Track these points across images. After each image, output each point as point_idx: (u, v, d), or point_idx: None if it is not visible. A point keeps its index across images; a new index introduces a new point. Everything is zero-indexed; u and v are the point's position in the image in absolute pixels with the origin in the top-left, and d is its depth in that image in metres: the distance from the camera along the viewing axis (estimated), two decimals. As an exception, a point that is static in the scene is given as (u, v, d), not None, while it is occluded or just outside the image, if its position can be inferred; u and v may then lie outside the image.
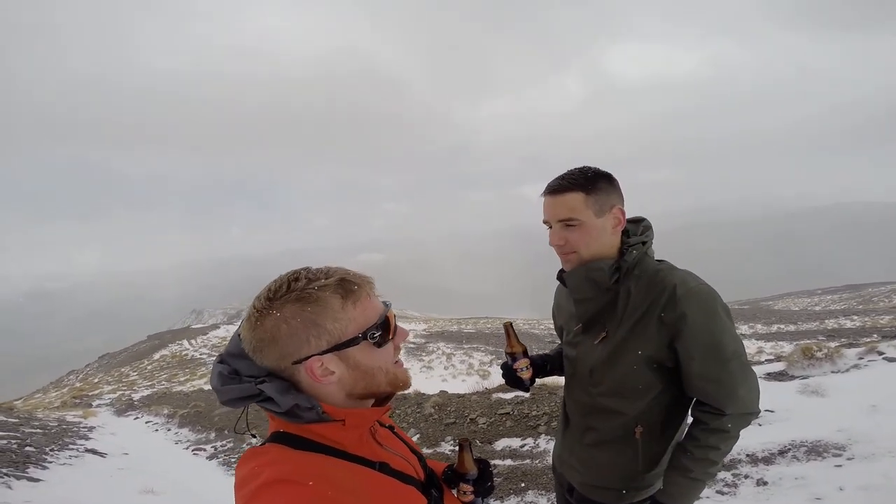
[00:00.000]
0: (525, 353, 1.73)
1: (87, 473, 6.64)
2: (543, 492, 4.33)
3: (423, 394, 9.22)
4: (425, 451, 6.09)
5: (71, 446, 8.52)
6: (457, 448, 1.42)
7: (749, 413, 1.47)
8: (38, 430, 9.86)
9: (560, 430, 1.87)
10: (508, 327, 1.75)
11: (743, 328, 26.54)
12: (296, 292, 0.86)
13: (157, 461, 7.79)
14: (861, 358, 6.22)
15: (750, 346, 19.73)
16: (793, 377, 5.77)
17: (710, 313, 1.42)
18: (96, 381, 26.18)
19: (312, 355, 0.86)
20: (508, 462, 5.25)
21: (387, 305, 0.97)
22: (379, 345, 0.92)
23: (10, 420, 10.54)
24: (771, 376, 5.93)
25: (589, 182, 1.49)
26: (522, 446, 5.64)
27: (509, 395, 7.48)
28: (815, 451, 3.77)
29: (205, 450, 8.65)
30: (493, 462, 5.24)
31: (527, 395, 6.44)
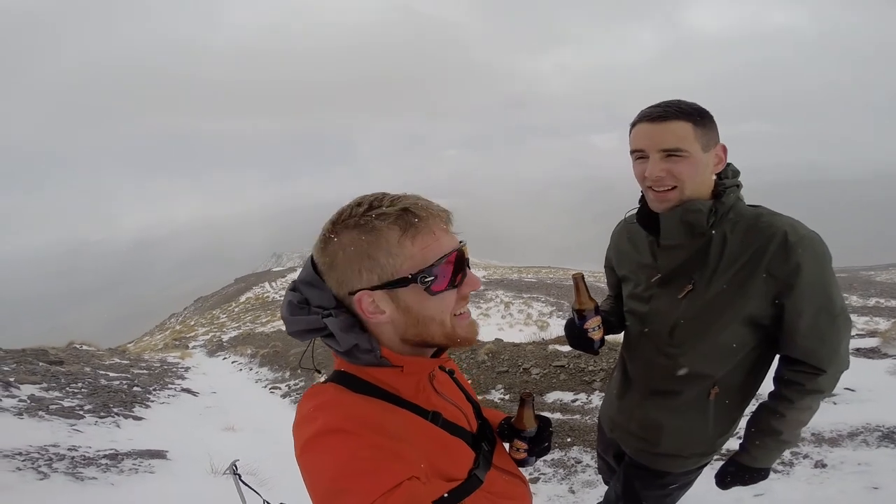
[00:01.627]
0: (597, 310, 1.54)
1: (182, 412, 7.62)
2: (588, 448, 4.31)
3: (478, 340, 9.39)
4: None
5: (170, 385, 9.78)
6: (517, 402, 1.38)
7: (842, 371, 1.36)
8: (145, 371, 11.39)
9: (615, 393, 1.73)
10: (579, 280, 1.54)
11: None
12: (354, 218, 0.83)
13: (238, 400, 8.73)
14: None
15: (840, 320, 17.87)
16: (885, 355, 5.12)
17: (824, 264, 1.28)
18: (192, 323, 29.55)
19: (363, 289, 0.84)
20: (558, 416, 5.26)
21: (459, 247, 0.88)
22: (432, 291, 0.84)
23: (122, 362, 12.23)
24: (860, 352, 5.30)
25: (697, 113, 1.31)
26: (574, 401, 5.60)
27: (566, 348, 7.38)
28: (891, 437, 3.36)
29: (280, 388, 9.54)
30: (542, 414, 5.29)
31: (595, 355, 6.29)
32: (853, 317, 18.37)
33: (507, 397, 6.22)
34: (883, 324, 15.35)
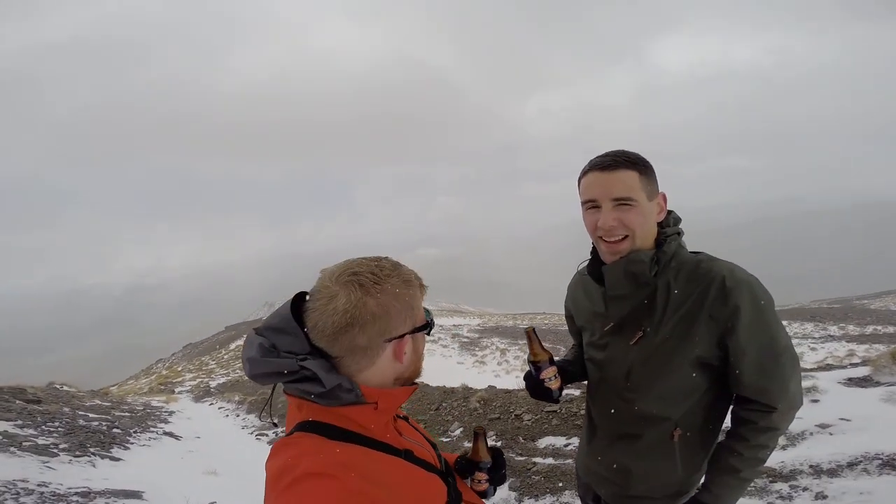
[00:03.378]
0: (551, 361, 1.58)
1: (163, 455, 7.27)
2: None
3: (471, 388, 9.17)
4: (465, 444, 6.05)
5: (152, 429, 9.36)
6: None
7: (796, 408, 1.38)
8: (127, 414, 10.94)
9: (585, 438, 1.74)
10: (531, 333, 1.59)
11: (832, 328, 24.05)
12: (399, 275, 0.99)
13: (223, 445, 8.36)
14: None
15: (839, 349, 17.95)
16: (878, 383, 5.10)
17: (761, 305, 1.31)
18: (180, 368, 28.68)
19: (405, 334, 0.97)
20: (549, 461, 5.07)
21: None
22: (428, 333, 1.06)
23: (103, 404, 11.78)
24: (852, 381, 5.28)
25: (640, 162, 1.39)
26: (566, 445, 5.43)
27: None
28: (891, 464, 3.29)
29: (266, 435, 9.17)
30: (534, 460, 5.10)
31: (556, 405, 6.16)
32: (852, 345, 18.25)
33: (499, 444, 6.01)
34: (882, 350, 15.21)
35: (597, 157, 1.41)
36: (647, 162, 1.41)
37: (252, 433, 9.56)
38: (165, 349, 52.17)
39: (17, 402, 8.80)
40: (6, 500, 3.74)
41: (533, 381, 1.60)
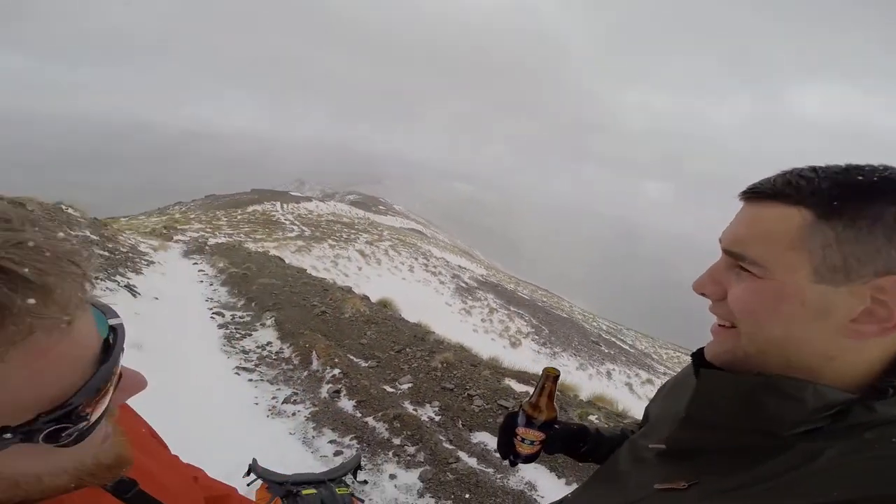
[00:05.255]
0: (550, 425, 1.13)
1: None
2: (485, 510, 3.37)
3: (441, 342, 8.39)
4: (408, 406, 5.31)
5: (117, 277, 8.94)
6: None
7: None
8: (105, 253, 10.58)
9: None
10: (550, 381, 1.13)
11: None
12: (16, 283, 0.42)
13: (172, 315, 7.87)
14: None
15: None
16: None
17: None
18: (192, 216, 28.96)
19: None
20: (473, 462, 4.33)
21: (110, 336, 0.54)
22: (62, 440, 0.48)
23: (91, 237, 11.42)
24: None
25: (834, 196, 0.60)
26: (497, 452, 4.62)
27: (521, 387, 6.38)
28: None
29: (223, 315, 8.71)
30: (459, 454, 4.35)
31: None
32: None
33: (438, 419, 5.24)
34: None
35: (767, 178, 0.68)
36: (864, 199, 0.58)
37: (211, 308, 9.09)
38: (192, 194, 53.22)
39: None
40: None
41: (508, 429, 1.17)
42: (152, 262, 11.85)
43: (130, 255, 11.79)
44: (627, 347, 30.53)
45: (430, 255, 33.16)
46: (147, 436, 0.89)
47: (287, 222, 33.11)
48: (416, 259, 28.96)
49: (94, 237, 11.73)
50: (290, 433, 4.43)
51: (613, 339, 31.53)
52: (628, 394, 18.17)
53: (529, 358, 16.83)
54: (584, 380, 16.81)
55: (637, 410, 9.14)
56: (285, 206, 43.74)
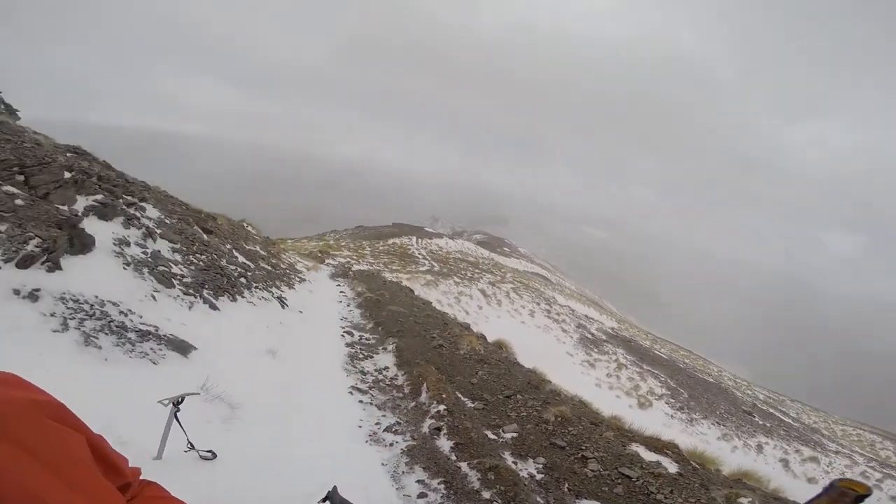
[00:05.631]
0: None
1: (255, 316, 7.77)
2: None
3: (558, 393, 7.80)
4: (508, 457, 4.94)
5: (272, 289, 10.32)
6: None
7: None
8: (268, 268, 12.36)
9: None
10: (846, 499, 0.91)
11: None
12: None
13: (311, 329, 8.70)
14: None
15: None
16: None
17: None
18: (342, 244, 32.56)
19: None
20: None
21: None
22: None
23: (260, 252, 13.51)
24: None
25: None
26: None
27: (651, 456, 5.50)
28: None
29: (352, 334, 9.33)
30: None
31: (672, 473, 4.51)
32: None
33: (540, 477, 4.76)
34: None
35: None
36: None
37: (343, 326, 9.86)
38: (345, 224, 60.30)
39: (196, 227, 10.31)
40: (70, 318, 3.99)
41: None
42: (304, 280, 13.49)
43: (288, 271, 13.61)
44: (790, 421, 25.12)
45: (554, 301, 31.89)
46: (82, 463, 0.78)
47: (420, 256, 35.22)
48: (538, 304, 28.09)
49: (263, 252, 13.84)
50: (383, 464, 4.38)
51: (771, 411, 26.46)
52: (782, 471, 15.01)
53: (660, 421, 14.76)
54: (726, 452, 14.22)
55: (793, 490, 7.45)
56: (420, 240, 46.77)
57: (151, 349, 4.41)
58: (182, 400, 2.94)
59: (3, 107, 10.74)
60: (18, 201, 5.12)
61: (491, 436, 5.62)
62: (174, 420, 2.92)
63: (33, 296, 3.95)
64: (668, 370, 23.62)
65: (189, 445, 3.06)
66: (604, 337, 26.01)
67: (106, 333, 4.13)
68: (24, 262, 4.36)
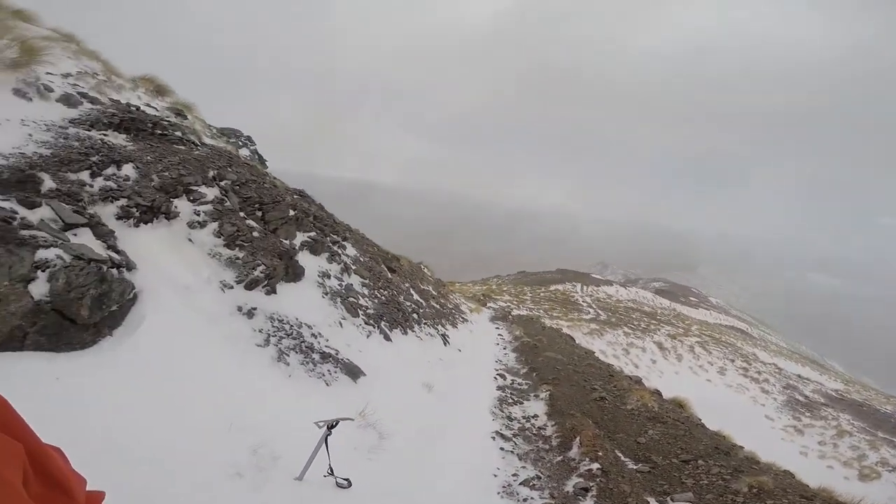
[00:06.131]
0: None
1: (420, 349, 8.41)
2: None
3: (758, 461, 6.28)
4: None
5: (438, 326, 11.05)
6: None
7: None
8: (436, 307, 13.34)
9: None
10: None
11: None
12: None
13: (467, 368, 8.96)
14: None
15: None
16: None
17: None
18: (504, 289, 33.11)
19: None
20: None
21: None
22: None
23: (432, 292, 14.68)
24: None
25: None
26: None
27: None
28: None
29: (504, 378, 9.26)
30: None
31: None
32: None
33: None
34: None
35: None
36: None
37: (496, 370, 9.86)
38: (510, 269, 61.43)
39: (382, 265, 11.82)
40: (272, 337, 4.94)
41: None
42: (466, 321, 14.11)
43: (453, 311, 14.45)
44: None
45: (754, 358, 26.18)
46: (9, 485, 0.65)
47: (584, 304, 33.39)
48: (732, 360, 23.42)
49: (434, 292, 15.01)
50: None
51: None
52: None
53: (887, 496, 10.67)
54: None
55: None
56: (585, 287, 44.45)
57: (328, 371, 5.16)
58: (336, 424, 3.20)
59: (257, 156, 13.91)
60: (255, 233, 6.19)
61: (652, 500, 4.81)
62: (324, 443, 3.14)
63: (251, 313, 5.05)
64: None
65: (329, 471, 3.21)
66: (822, 399, 20.12)
67: (296, 352, 5.02)
68: (251, 285, 5.54)
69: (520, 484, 4.85)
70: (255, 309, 5.08)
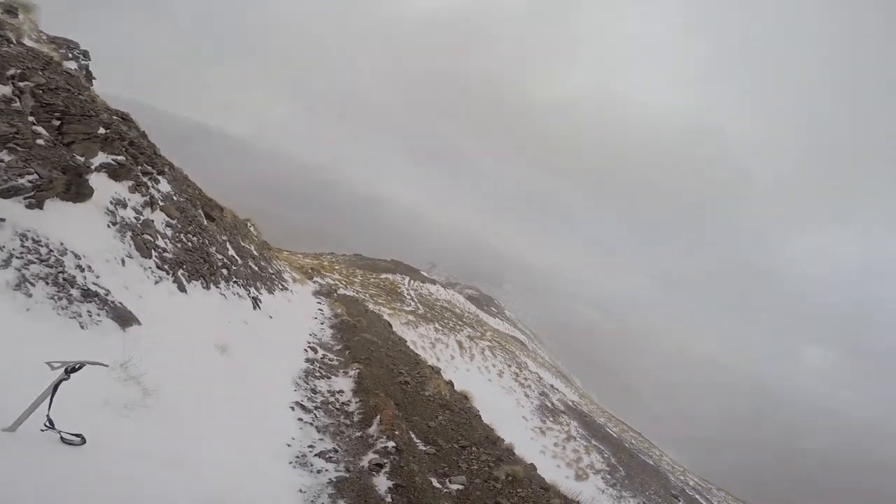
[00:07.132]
0: None
1: (220, 308, 7.28)
2: None
3: (515, 453, 7.19)
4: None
5: (251, 288, 9.84)
6: None
7: None
8: (254, 268, 11.92)
9: None
10: None
11: None
12: None
13: (275, 338, 8.19)
14: None
15: None
16: None
17: None
18: (336, 267, 32.11)
19: None
20: None
21: None
22: None
23: (251, 251, 13.07)
24: None
25: None
26: None
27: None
28: None
29: (316, 351, 8.80)
30: None
31: None
32: None
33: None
34: None
35: None
36: None
37: (310, 342, 9.32)
38: (346, 248, 59.94)
39: (200, 210, 9.88)
40: (15, 258, 3.60)
41: None
42: (287, 290, 12.99)
43: (273, 277, 13.13)
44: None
45: (525, 366, 30.99)
46: None
47: (408, 296, 34.62)
48: (509, 366, 27.25)
49: (256, 253, 13.42)
50: (301, 490, 3.80)
51: (696, 497, 25.68)
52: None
53: (590, 495, 14.02)
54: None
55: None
56: (412, 281, 46.19)
57: (88, 312, 3.98)
58: (79, 367, 2.45)
59: (85, 71, 10.86)
60: (40, 141, 5.01)
61: (436, 484, 5.03)
62: (52, 390, 2.43)
63: (-7, 223, 3.61)
64: (613, 447, 22.80)
65: (48, 423, 2.50)
66: (562, 408, 25.06)
67: (47, 283, 3.74)
68: (8, 193, 4.12)
69: (315, 455, 4.59)
70: (2, 220, 3.66)
